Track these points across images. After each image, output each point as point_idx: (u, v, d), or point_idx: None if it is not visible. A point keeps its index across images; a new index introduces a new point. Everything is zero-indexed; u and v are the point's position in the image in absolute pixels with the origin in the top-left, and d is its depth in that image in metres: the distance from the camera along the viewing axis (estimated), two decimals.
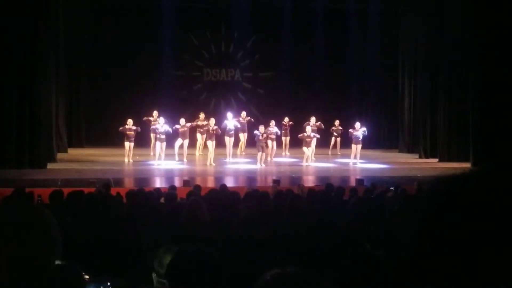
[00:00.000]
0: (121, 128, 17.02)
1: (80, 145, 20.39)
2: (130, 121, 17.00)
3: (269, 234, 4.34)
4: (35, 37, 15.03)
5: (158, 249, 3.23)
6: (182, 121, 17.16)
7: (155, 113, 17.86)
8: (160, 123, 16.62)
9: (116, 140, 18.87)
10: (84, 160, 17.03)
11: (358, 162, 17.55)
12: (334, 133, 19.62)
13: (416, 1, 20.29)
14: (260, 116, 20.63)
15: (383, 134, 23.16)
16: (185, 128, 17.01)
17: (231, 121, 17.73)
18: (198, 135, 18.16)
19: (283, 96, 22.37)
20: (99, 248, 4.49)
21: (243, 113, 19.19)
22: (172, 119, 17.46)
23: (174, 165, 16.53)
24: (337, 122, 19.73)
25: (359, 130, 17.64)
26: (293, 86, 22.46)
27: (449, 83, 18.71)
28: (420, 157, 19.54)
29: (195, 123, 17.83)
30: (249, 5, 21.46)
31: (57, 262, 1.82)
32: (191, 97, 22.56)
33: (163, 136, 16.37)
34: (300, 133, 17.42)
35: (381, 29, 22.17)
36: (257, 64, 22.96)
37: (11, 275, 1.68)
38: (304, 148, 17.11)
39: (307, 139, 17.08)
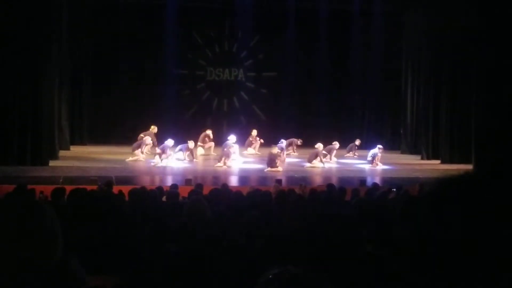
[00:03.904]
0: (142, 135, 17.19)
1: (82, 142, 20.35)
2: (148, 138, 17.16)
3: (270, 234, 4.33)
4: (38, 34, 15.04)
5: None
6: (191, 144, 17.06)
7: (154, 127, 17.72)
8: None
9: (118, 138, 18.84)
10: (86, 158, 17.02)
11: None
12: (354, 153, 19.28)
13: (419, 2, 20.25)
14: (263, 116, 20.62)
15: (385, 135, 23.13)
16: (192, 148, 17.12)
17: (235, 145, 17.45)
18: (200, 149, 18.24)
19: (286, 96, 22.36)
20: (101, 246, 4.49)
21: (254, 132, 19.31)
22: (174, 117, 17.40)
23: (176, 164, 16.51)
24: (358, 142, 19.56)
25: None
26: (297, 86, 22.44)
27: (452, 84, 18.69)
28: (422, 158, 19.51)
29: (201, 143, 17.99)
30: (253, 4, 21.45)
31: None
32: (194, 96, 22.55)
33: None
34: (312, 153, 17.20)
35: (384, 29, 22.14)
36: (261, 63, 22.93)
37: (12, 272, 1.68)
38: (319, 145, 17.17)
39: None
